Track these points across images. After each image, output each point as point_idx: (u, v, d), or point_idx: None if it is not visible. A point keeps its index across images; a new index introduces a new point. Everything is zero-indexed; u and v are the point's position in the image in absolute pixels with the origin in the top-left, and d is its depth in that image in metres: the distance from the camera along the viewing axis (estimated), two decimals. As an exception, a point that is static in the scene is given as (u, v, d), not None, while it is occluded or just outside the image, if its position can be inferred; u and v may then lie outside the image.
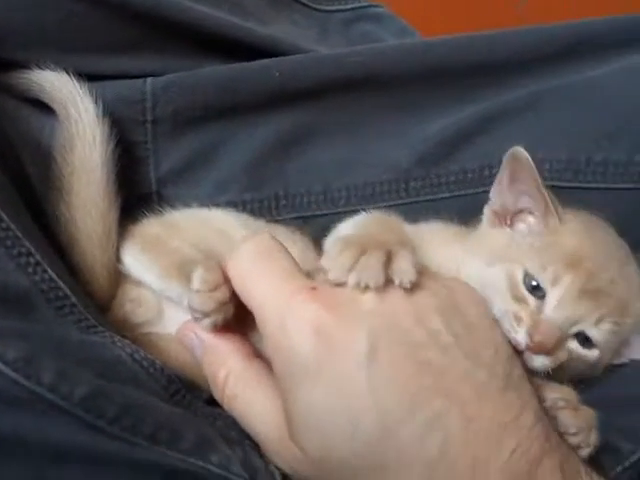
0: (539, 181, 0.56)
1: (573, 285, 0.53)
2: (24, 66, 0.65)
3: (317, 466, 0.46)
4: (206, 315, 0.50)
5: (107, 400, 0.45)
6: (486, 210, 0.60)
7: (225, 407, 0.52)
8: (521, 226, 0.59)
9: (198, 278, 0.51)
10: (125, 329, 0.60)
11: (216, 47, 0.73)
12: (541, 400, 0.50)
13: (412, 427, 0.43)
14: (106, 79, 0.69)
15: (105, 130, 0.64)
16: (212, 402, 0.54)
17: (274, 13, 0.82)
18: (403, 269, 0.47)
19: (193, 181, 0.71)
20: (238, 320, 0.52)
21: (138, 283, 0.63)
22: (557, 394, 0.52)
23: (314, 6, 0.86)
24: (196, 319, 0.51)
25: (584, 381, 0.57)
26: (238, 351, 0.52)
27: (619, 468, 0.52)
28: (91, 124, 0.63)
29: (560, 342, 0.53)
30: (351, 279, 0.46)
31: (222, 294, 0.50)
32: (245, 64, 0.71)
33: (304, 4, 0.86)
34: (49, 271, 0.54)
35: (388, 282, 0.47)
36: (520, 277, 0.55)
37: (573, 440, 0.49)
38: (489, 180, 0.61)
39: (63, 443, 0.43)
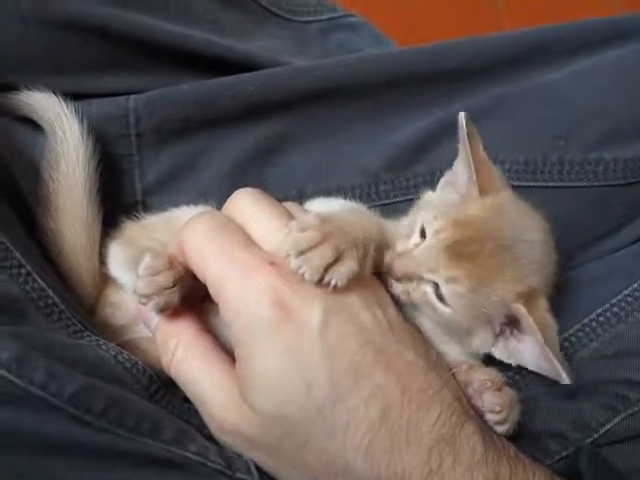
0: (469, 154, 0.60)
1: (444, 240, 0.57)
2: (14, 88, 0.69)
3: (267, 429, 0.51)
4: (148, 298, 0.54)
5: (94, 396, 0.49)
6: (442, 179, 0.66)
7: (171, 373, 0.55)
8: None
9: (142, 264, 0.55)
10: (108, 332, 0.64)
11: (195, 64, 0.77)
12: (469, 382, 0.56)
13: (359, 394, 0.49)
14: (91, 97, 0.73)
15: (89, 148, 0.68)
16: (188, 400, 0.57)
17: (254, 28, 0.86)
18: (339, 275, 0.51)
19: (176, 190, 0.74)
20: (191, 299, 0.56)
21: (118, 288, 0.67)
22: (484, 376, 0.57)
23: (291, 18, 0.90)
24: (142, 304, 0.55)
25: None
26: (190, 324, 0.56)
27: (564, 452, 0.57)
28: (75, 143, 0.67)
29: (412, 277, 0.58)
30: (293, 263, 0.51)
31: (164, 278, 0.54)
32: (221, 79, 0.75)
33: (281, 17, 0.89)
34: (39, 281, 0.58)
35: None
36: (420, 223, 0.60)
37: (497, 417, 0.54)
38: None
39: (54, 437, 0.47)
